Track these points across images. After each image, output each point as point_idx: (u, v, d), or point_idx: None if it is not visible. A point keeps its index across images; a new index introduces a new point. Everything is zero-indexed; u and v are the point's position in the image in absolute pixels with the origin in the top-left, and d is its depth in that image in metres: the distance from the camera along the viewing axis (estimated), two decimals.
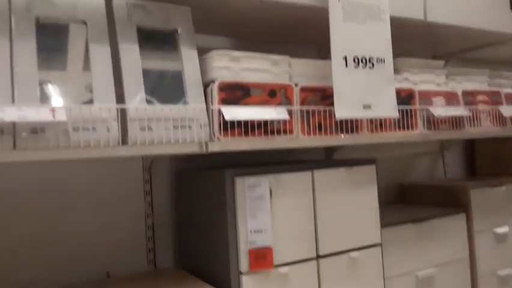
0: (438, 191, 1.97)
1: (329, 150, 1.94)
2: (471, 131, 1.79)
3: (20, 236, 1.39)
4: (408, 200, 2.12)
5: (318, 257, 1.38)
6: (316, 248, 1.37)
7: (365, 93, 1.36)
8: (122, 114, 1.08)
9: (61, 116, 0.96)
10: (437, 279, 1.72)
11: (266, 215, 1.28)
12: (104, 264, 1.52)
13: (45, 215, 1.43)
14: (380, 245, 1.51)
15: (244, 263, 1.25)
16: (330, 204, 1.41)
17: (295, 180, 1.35)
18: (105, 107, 1.04)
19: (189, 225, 1.53)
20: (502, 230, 1.92)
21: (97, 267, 1.50)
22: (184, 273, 1.45)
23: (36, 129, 0.97)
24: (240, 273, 1.25)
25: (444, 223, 1.77)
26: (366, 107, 1.35)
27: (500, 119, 1.89)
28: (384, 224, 1.62)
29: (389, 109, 1.40)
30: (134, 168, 1.59)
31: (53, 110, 0.97)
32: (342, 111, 1.33)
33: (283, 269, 1.30)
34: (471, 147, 2.50)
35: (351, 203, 1.45)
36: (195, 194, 1.47)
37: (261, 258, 1.26)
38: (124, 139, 1.09)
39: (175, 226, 1.65)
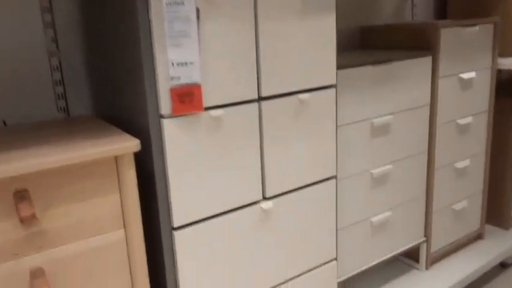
0: (404, 32, 1.71)
1: None
2: None
3: None
4: (372, 44, 1.87)
5: (260, 98, 1.14)
6: (258, 88, 1.13)
7: None
8: None
9: None
10: (394, 126, 1.56)
11: (193, 43, 0.99)
12: (2, 112, 1.23)
13: None
14: (335, 86, 1.28)
15: (165, 105, 0.99)
16: (276, 33, 1.13)
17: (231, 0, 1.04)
18: None
19: (102, 63, 1.23)
20: (468, 75, 1.74)
21: None
22: (98, 120, 1.19)
23: None
24: (161, 116, 1.00)
25: (408, 66, 1.56)
26: None
27: None
28: (341, 65, 1.39)
29: None
30: None
31: None
32: None
33: (216, 112, 1.06)
34: None
35: (303, 33, 1.17)
36: (105, 20, 1.14)
37: (187, 98, 1.01)
38: None
39: (87, 65, 1.35)
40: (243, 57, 1.08)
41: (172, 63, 0.97)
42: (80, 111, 1.35)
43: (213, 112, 1.06)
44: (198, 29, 1.00)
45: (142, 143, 1.04)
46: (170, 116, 1.01)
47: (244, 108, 1.11)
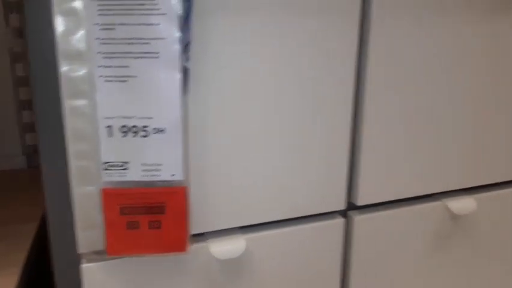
0: None
1: None
2: None
3: None
4: None
5: (352, 207, 0.47)
6: (351, 180, 0.46)
7: None
8: None
9: None
10: None
11: (166, 75, 0.34)
12: None
13: None
14: None
15: (88, 232, 0.37)
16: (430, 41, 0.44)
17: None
18: None
19: None
20: None
21: None
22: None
23: None
24: (75, 260, 0.38)
25: None
26: None
27: None
28: None
29: None
30: None
31: None
32: None
33: (229, 248, 0.41)
34: None
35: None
36: None
37: (147, 218, 0.37)
38: None
39: None
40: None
41: (109, 127, 0.34)
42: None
43: (217, 249, 0.41)
44: (185, 51, 0.35)
45: None
46: (100, 259, 0.38)
47: (306, 231, 0.44)
